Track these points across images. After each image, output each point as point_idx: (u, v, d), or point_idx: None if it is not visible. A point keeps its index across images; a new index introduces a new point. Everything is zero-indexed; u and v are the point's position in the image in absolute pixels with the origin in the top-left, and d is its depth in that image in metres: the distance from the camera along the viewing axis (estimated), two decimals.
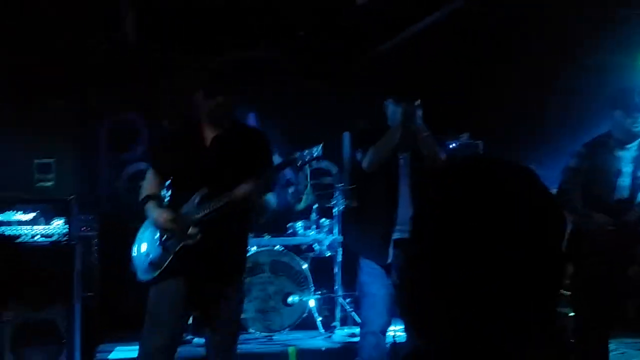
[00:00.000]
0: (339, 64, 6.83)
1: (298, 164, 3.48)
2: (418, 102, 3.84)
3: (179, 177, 3.44)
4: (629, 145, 3.72)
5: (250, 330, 5.47)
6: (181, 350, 5.10)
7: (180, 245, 3.24)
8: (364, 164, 3.87)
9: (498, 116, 6.90)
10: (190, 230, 3.21)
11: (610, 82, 6.50)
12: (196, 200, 3.24)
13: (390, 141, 3.79)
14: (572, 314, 5.52)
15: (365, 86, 6.91)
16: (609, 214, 3.66)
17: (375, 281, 3.87)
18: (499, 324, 0.84)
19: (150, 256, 3.35)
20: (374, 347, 3.89)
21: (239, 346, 5.21)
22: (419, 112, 3.82)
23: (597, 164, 3.78)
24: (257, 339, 5.44)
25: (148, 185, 3.46)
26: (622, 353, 5.08)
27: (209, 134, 3.39)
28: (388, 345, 4.14)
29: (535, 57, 6.63)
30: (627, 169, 3.70)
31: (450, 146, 6.60)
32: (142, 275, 3.40)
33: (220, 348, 3.48)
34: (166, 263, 3.27)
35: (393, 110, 3.89)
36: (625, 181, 3.68)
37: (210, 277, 3.30)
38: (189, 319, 3.84)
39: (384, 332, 3.92)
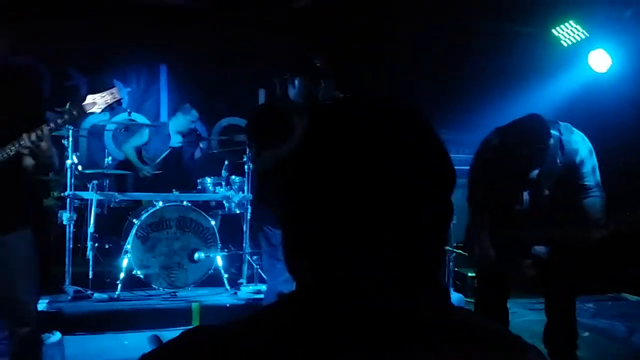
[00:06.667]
0: (256, 16, 6.66)
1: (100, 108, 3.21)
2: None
3: None
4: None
5: (154, 286, 5.37)
6: (81, 304, 5.03)
7: None
8: (255, 167, 3.78)
9: (403, 79, 6.96)
10: None
11: (519, 50, 6.71)
12: None
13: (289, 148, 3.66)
14: (471, 274, 5.77)
15: (283, 41, 6.82)
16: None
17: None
18: (377, 271, 0.81)
19: None
20: (282, 270, 3.89)
21: (142, 302, 5.19)
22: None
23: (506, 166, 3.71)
24: (160, 295, 5.35)
25: None
26: (514, 312, 5.33)
27: None
28: None
29: (443, 22, 6.72)
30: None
31: None
32: None
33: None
34: None
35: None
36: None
37: None
38: None
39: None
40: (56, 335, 4.49)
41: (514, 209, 3.73)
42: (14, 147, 2.94)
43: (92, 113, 3.23)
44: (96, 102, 3.14)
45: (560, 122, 3.67)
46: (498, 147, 3.71)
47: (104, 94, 3.19)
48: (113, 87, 3.31)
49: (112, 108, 3.25)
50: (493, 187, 3.75)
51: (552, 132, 3.59)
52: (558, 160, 3.63)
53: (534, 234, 3.71)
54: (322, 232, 0.82)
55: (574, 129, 3.69)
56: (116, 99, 3.20)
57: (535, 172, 3.65)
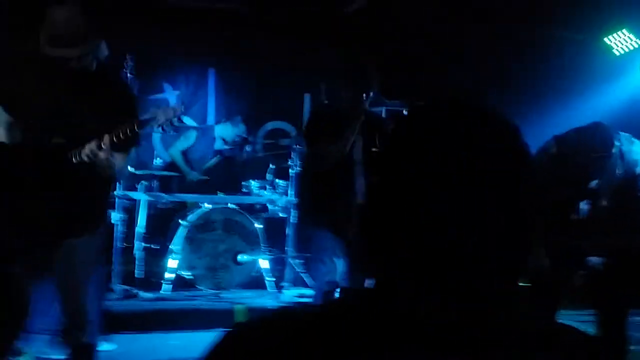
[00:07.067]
0: (305, 22, 6.71)
1: (159, 123, 3.18)
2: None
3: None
4: None
5: (199, 287, 5.44)
6: (129, 303, 5.11)
7: None
8: (320, 165, 3.84)
9: (451, 85, 6.91)
10: None
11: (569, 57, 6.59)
12: None
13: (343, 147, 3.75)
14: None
15: (330, 46, 6.85)
16: None
17: (328, 239, 3.90)
18: (444, 277, 0.81)
19: None
20: (326, 273, 3.91)
21: (187, 302, 5.26)
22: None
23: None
24: (205, 296, 5.41)
25: None
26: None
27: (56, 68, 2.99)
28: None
29: (492, 27, 6.66)
30: None
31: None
32: None
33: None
34: None
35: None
36: None
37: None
38: None
39: (333, 259, 3.93)
40: (109, 345, 4.53)
41: (570, 218, 3.68)
42: (75, 157, 2.91)
43: (151, 127, 3.21)
44: (156, 116, 3.14)
45: (620, 132, 3.61)
46: (556, 156, 3.67)
47: (165, 109, 3.18)
48: (177, 103, 3.30)
49: (171, 124, 3.22)
50: (550, 196, 3.70)
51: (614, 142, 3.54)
52: (618, 171, 3.57)
53: (590, 245, 3.65)
54: (395, 235, 0.82)
55: (634, 139, 3.62)
56: (176, 115, 3.18)
57: (595, 182, 3.60)
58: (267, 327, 0.85)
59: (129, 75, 5.30)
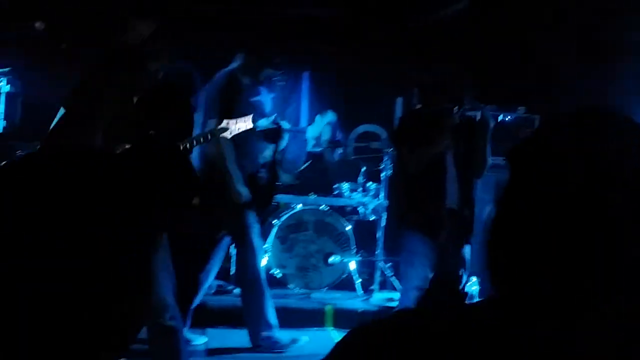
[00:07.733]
0: (397, 27, 6.71)
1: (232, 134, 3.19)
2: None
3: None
4: None
5: (290, 286, 5.55)
6: (223, 299, 5.28)
7: None
8: (410, 169, 3.88)
9: (557, 91, 6.70)
10: None
11: None
12: None
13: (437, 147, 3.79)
14: None
15: (422, 51, 6.81)
16: None
17: (418, 242, 3.91)
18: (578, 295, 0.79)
19: None
20: (415, 277, 3.93)
21: (278, 300, 5.36)
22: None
23: None
24: (295, 295, 5.51)
25: None
26: None
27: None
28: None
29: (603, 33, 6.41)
30: None
31: (506, 119, 6.46)
32: None
33: None
34: None
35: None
36: None
37: None
38: None
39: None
40: (201, 338, 4.66)
41: None
42: None
43: (223, 137, 3.31)
44: (229, 127, 3.24)
45: None
46: None
47: (237, 120, 3.28)
48: (249, 114, 3.40)
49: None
50: None
51: None
52: None
53: None
54: (534, 246, 0.81)
55: None
56: (248, 128, 3.27)
57: None
58: (389, 334, 0.85)
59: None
